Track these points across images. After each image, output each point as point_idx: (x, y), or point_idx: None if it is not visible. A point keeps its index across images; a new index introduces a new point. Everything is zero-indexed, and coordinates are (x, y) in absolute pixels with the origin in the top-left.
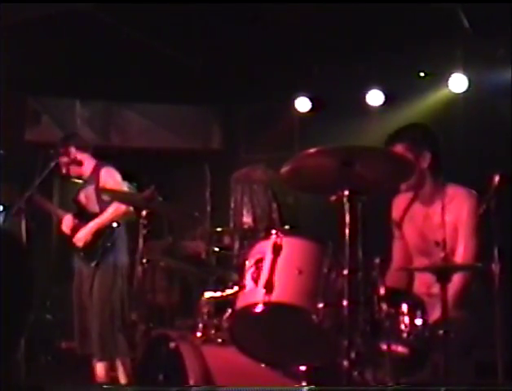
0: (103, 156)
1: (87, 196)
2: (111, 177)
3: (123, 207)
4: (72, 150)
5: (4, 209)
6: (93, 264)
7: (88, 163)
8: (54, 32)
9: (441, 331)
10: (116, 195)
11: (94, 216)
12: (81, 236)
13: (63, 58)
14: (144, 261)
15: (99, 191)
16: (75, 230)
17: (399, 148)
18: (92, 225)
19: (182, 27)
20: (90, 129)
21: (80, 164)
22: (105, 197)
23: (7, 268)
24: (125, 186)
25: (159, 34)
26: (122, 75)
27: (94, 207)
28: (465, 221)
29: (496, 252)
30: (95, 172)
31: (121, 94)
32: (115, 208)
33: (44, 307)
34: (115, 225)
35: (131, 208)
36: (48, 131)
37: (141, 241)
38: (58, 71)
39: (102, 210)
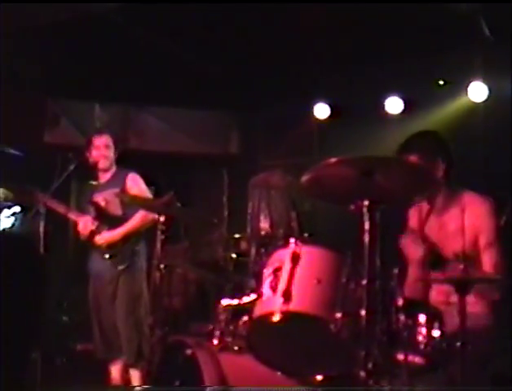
0: (120, 159)
1: (107, 199)
2: (136, 185)
3: (151, 215)
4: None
5: (22, 210)
6: (121, 267)
7: (112, 163)
8: (73, 35)
9: (458, 343)
10: (135, 201)
11: (116, 219)
12: (107, 238)
13: (82, 61)
14: (162, 266)
15: (121, 195)
16: (96, 232)
17: (412, 159)
18: (121, 230)
19: (202, 32)
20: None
21: (111, 164)
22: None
23: (23, 269)
24: (148, 193)
25: (179, 38)
26: (141, 78)
27: (116, 210)
28: (483, 228)
29: None
30: (117, 177)
31: (140, 97)
32: (143, 215)
33: (60, 309)
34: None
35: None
36: (67, 134)
37: (159, 246)
38: (77, 74)
39: (125, 214)
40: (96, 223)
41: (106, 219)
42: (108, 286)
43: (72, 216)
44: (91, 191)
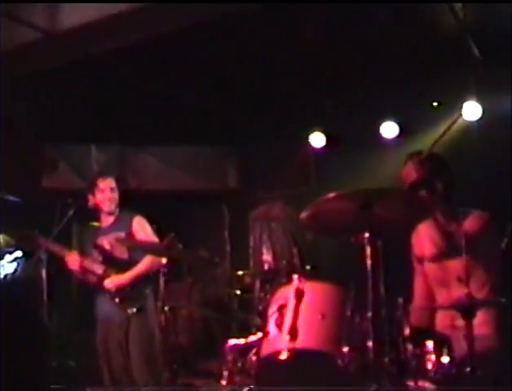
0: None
1: (111, 243)
2: (142, 229)
3: (159, 259)
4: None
5: (24, 255)
6: (131, 311)
7: (117, 205)
8: (68, 80)
9: (468, 369)
10: (136, 244)
11: (123, 262)
12: (117, 282)
13: (77, 104)
14: (166, 308)
15: (122, 240)
16: (104, 276)
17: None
18: (130, 273)
19: (193, 69)
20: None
21: (112, 199)
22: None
23: (24, 318)
24: (154, 237)
25: (171, 76)
26: (136, 119)
27: (121, 254)
28: (483, 246)
29: None
30: (124, 220)
31: (136, 137)
32: (151, 259)
33: (66, 353)
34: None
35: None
36: (65, 178)
37: (162, 288)
38: (73, 117)
39: (131, 257)
40: (103, 267)
41: (113, 263)
42: (118, 330)
43: (62, 253)
44: (94, 234)
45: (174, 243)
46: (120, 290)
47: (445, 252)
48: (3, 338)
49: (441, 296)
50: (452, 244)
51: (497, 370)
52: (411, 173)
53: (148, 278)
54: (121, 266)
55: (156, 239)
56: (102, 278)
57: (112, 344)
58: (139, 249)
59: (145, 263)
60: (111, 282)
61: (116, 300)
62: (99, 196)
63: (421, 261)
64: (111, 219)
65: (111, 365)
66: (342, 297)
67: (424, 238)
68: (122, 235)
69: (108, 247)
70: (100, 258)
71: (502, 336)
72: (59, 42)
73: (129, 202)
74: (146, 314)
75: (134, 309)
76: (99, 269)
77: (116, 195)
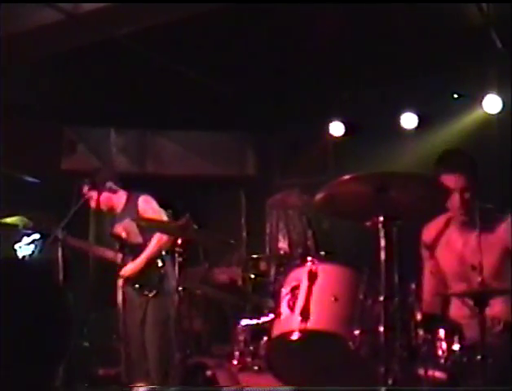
0: (137, 184)
1: (126, 229)
2: (149, 206)
3: (165, 236)
4: (101, 185)
5: (42, 237)
6: (151, 294)
7: (119, 195)
8: (87, 62)
9: (479, 357)
10: (152, 224)
11: (138, 247)
12: (131, 270)
13: (97, 87)
14: (180, 289)
15: (137, 219)
16: (122, 265)
17: (453, 177)
18: (141, 259)
19: (215, 53)
20: (125, 158)
21: (109, 197)
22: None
23: (44, 297)
24: (163, 213)
25: (192, 61)
26: (156, 103)
27: (136, 238)
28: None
29: None
30: (131, 202)
31: (156, 121)
32: (158, 239)
33: (81, 334)
34: (163, 252)
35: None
36: (84, 160)
37: (177, 269)
38: (92, 100)
39: (146, 240)
40: (121, 256)
41: (129, 250)
42: (137, 310)
43: (93, 251)
44: (111, 221)
45: (190, 224)
46: (136, 276)
47: (464, 256)
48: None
49: (458, 289)
50: (473, 245)
51: (509, 360)
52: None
53: (163, 258)
54: (137, 252)
55: (164, 216)
56: (121, 267)
57: (132, 324)
58: (150, 230)
59: (152, 244)
60: (126, 270)
61: (136, 285)
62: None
63: (431, 249)
64: (121, 205)
65: (128, 344)
66: (355, 280)
67: (439, 227)
68: (131, 219)
69: (123, 234)
70: (118, 246)
71: None
72: (81, 24)
73: (146, 185)
74: (163, 295)
75: (153, 292)
76: (117, 258)
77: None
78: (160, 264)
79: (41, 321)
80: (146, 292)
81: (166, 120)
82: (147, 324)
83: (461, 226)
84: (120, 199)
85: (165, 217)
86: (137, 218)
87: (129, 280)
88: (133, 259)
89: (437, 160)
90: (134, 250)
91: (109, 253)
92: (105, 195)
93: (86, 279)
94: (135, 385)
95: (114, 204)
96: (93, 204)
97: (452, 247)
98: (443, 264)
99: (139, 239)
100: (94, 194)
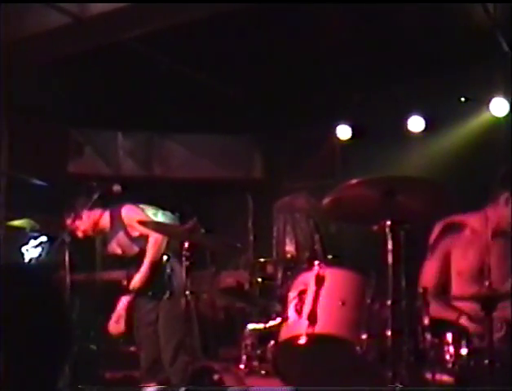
0: (144, 187)
1: (120, 243)
2: (133, 213)
3: (159, 236)
4: (84, 215)
5: (49, 240)
6: (166, 296)
7: (103, 216)
8: (95, 65)
9: (486, 361)
10: (158, 228)
11: (136, 257)
12: (138, 282)
13: (104, 90)
14: (188, 292)
15: (140, 225)
16: (131, 279)
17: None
18: (145, 267)
19: (223, 56)
20: (132, 161)
21: (95, 222)
22: (144, 230)
23: (43, 303)
24: (149, 213)
25: (199, 64)
26: (163, 106)
27: (132, 249)
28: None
29: None
30: (115, 217)
31: (163, 124)
32: (154, 241)
33: (88, 337)
34: (165, 257)
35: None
36: (91, 163)
37: (184, 273)
38: (100, 103)
39: (142, 248)
40: (125, 273)
41: (130, 263)
42: (150, 313)
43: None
44: (103, 245)
45: (197, 227)
46: (145, 286)
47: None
48: (27, 321)
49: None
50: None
51: None
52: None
53: (165, 259)
54: (138, 262)
55: (151, 218)
56: (128, 282)
57: (145, 327)
58: (142, 238)
59: (150, 249)
60: (136, 282)
61: (149, 293)
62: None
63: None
64: (107, 224)
65: (143, 348)
66: (363, 284)
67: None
68: (121, 234)
69: (119, 250)
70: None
71: None
72: (88, 27)
73: (153, 189)
74: (173, 297)
75: (167, 294)
76: (122, 277)
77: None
78: (168, 270)
79: (40, 326)
80: (161, 298)
81: (174, 124)
82: (160, 325)
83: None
84: (104, 219)
85: (154, 218)
86: (144, 222)
87: (140, 291)
88: (137, 269)
89: (502, 179)
90: (134, 262)
91: (114, 274)
92: (89, 221)
93: (94, 282)
94: (145, 385)
95: (101, 226)
96: (80, 234)
97: (469, 251)
98: (462, 269)
99: (135, 250)
100: (79, 224)
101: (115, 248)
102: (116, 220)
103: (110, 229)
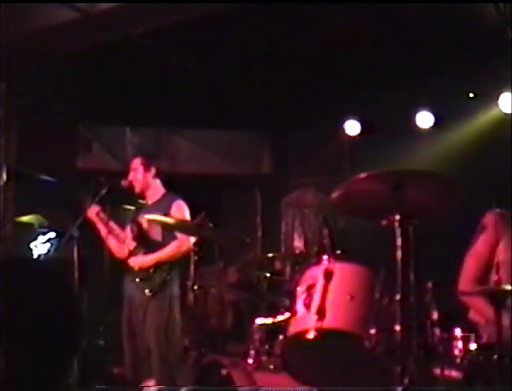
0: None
1: (150, 222)
2: (180, 212)
3: (186, 245)
4: (149, 169)
5: (57, 236)
6: (148, 293)
7: (156, 189)
8: (103, 60)
9: (495, 356)
10: (166, 223)
11: (154, 244)
12: (140, 263)
13: (113, 86)
14: (196, 287)
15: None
16: (132, 253)
17: None
18: (154, 256)
19: (232, 53)
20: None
21: (147, 186)
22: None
23: (57, 296)
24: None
25: (208, 60)
26: (172, 101)
27: (156, 235)
28: None
29: None
30: (165, 201)
31: (171, 120)
32: (178, 245)
33: (97, 333)
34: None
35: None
36: (99, 159)
37: (192, 267)
38: (108, 99)
39: (164, 241)
40: (134, 244)
41: (144, 242)
42: (138, 310)
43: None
44: (138, 211)
45: (205, 222)
46: (142, 270)
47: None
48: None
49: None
50: None
51: None
52: None
53: (174, 264)
54: (152, 247)
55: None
56: (130, 255)
57: (136, 323)
58: (172, 232)
59: (171, 247)
60: (135, 261)
61: (137, 279)
62: (131, 175)
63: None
64: (155, 199)
65: (133, 343)
66: (371, 279)
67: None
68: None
69: (145, 225)
70: (134, 235)
71: None
72: (97, 23)
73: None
74: (163, 298)
75: (150, 292)
76: (129, 244)
77: (140, 177)
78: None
79: (49, 320)
80: (144, 289)
81: (182, 119)
82: (148, 326)
83: None
84: (156, 192)
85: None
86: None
87: (132, 272)
88: (145, 253)
89: None
90: (149, 245)
91: (127, 241)
92: (146, 179)
93: (102, 278)
94: (145, 386)
95: (148, 193)
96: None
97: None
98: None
99: (158, 238)
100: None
101: (143, 222)
102: (164, 203)
103: (154, 204)
